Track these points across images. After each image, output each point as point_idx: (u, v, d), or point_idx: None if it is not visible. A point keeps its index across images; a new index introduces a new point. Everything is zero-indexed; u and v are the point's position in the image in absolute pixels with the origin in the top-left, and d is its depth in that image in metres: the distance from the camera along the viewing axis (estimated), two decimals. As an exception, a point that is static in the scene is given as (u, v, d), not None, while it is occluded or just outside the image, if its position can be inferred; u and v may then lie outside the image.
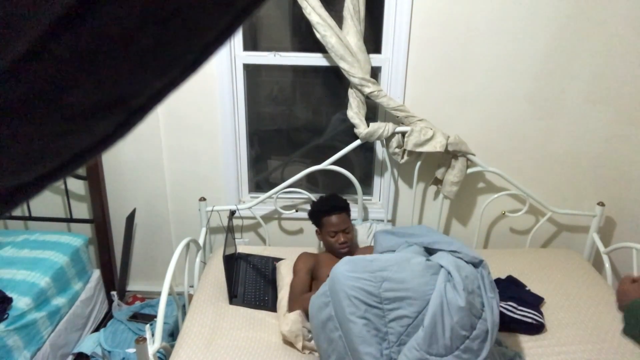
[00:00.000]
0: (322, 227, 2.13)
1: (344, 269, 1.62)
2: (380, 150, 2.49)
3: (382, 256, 1.71)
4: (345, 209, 2.13)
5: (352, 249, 2.13)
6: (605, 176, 2.46)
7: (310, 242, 2.50)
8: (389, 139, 2.32)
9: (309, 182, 2.63)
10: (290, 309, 1.92)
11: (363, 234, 2.38)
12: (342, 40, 2.14)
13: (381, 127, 2.28)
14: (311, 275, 2.07)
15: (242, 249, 2.44)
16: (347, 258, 1.69)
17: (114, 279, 2.64)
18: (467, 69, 2.28)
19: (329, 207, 2.10)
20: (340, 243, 2.07)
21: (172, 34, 0.20)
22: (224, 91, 2.33)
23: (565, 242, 2.64)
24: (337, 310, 1.56)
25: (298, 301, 1.92)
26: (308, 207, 2.58)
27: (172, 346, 1.86)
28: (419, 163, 2.41)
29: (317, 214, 2.14)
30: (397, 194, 2.57)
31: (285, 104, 2.55)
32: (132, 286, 2.76)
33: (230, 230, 2.19)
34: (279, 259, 2.33)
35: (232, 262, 2.26)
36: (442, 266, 1.67)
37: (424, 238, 1.88)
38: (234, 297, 2.09)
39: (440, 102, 2.35)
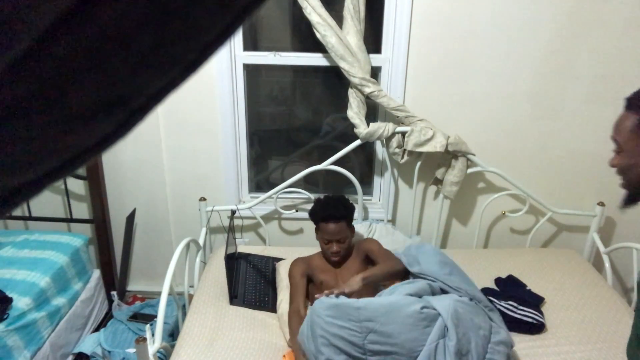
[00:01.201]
0: (318, 229, 2.06)
1: (326, 313, 1.53)
2: (380, 150, 2.50)
3: (370, 304, 1.57)
4: (344, 217, 2.00)
5: (346, 255, 2.07)
6: (605, 176, 2.46)
7: (310, 242, 2.50)
8: (389, 139, 2.32)
9: (309, 182, 2.63)
10: (289, 322, 1.89)
11: (363, 233, 2.38)
12: (342, 40, 2.14)
13: (381, 127, 2.28)
14: (307, 279, 2.05)
15: (242, 248, 2.44)
16: (330, 302, 1.57)
17: (114, 279, 2.64)
18: (467, 69, 2.28)
19: (327, 215, 1.98)
20: (332, 252, 2.00)
21: (172, 34, 0.20)
22: (224, 91, 2.33)
23: (565, 242, 2.64)
24: (316, 353, 1.52)
25: (290, 315, 1.90)
26: (308, 206, 2.59)
27: (172, 346, 1.86)
28: (419, 163, 2.41)
29: (315, 217, 2.05)
30: (397, 194, 2.57)
31: (285, 104, 2.55)
32: (132, 286, 2.76)
33: (231, 229, 2.19)
34: (279, 259, 2.33)
35: (233, 262, 2.26)
36: (440, 314, 1.58)
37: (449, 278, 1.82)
38: (234, 297, 2.09)
39: (440, 102, 2.35)
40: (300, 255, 2.16)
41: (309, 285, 2.06)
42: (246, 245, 2.56)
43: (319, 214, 2.01)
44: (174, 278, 1.90)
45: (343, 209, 2.00)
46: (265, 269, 2.30)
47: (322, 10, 2.10)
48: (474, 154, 2.37)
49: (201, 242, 2.37)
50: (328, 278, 2.00)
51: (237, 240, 2.56)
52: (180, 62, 0.22)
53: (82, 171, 2.43)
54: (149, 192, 2.54)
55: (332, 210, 1.98)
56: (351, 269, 2.01)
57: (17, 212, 2.50)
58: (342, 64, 2.17)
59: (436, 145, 2.26)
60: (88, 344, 2.30)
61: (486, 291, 2.11)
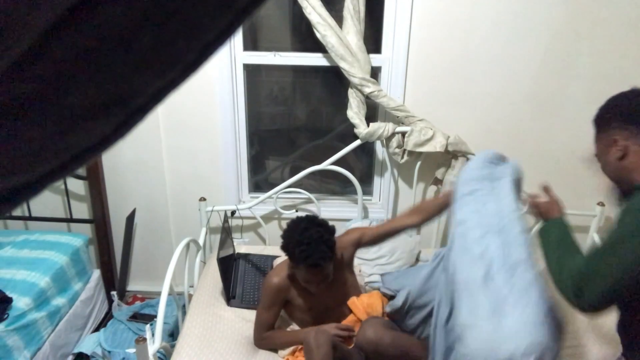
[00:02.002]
0: (295, 267, 1.70)
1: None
2: (380, 150, 2.49)
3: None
4: (330, 258, 1.66)
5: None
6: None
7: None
8: (389, 139, 2.32)
9: (309, 182, 2.63)
10: (258, 345, 1.78)
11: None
12: (342, 40, 2.14)
13: (381, 127, 2.28)
14: (283, 299, 1.82)
15: (242, 248, 2.44)
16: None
17: (114, 279, 2.64)
18: (467, 69, 2.28)
19: (311, 264, 1.61)
20: (313, 290, 1.72)
21: (172, 34, 0.20)
22: (224, 91, 2.33)
23: (565, 242, 2.63)
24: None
25: (265, 340, 1.79)
26: (308, 207, 2.59)
27: (172, 346, 1.86)
28: (419, 163, 2.41)
29: (294, 260, 1.68)
30: (397, 194, 2.57)
31: (285, 104, 2.55)
32: (132, 286, 2.76)
33: (226, 231, 2.18)
34: (277, 257, 2.33)
35: (231, 262, 2.26)
36: None
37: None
38: (232, 298, 2.09)
39: (440, 102, 2.34)
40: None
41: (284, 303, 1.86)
42: (246, 245, 2.56)
43: (298, 261, 1.64)
44: (173, 278, 1.90)
45: (328, 251, 1.63)
46: (264, 267, 2.30)
47: (322, 10, 2.10)
48: (474, 154, 2.36)
49: (201, 242, 2.37)
50: (315, 302, 1.80)
51: (237, 240, 2.56)
52: (180, 62, 0.22)
53: (82, 171, 2.42)
54: (149, 192, 2.54)
55: (317, 258, 1.60)
56: (340, 280, 1.81)
57: (17, 212, 2.50)
58: (342, 64, 2.17)
59: (436, 145, 2.26)
60: (88, 344, 2.30)
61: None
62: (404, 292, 1.76)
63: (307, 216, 1.74)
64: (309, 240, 1.60)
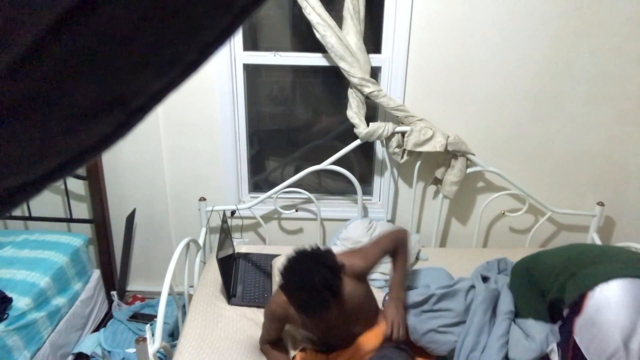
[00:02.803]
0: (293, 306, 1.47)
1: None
2: (380, 150, 2.50)
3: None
4: (333, 303, 1.45)
5: None
6: (605, 176, 2.46)
7: (310, 242, 2.50)
8: (388, 138, 2.33)
9: (309, 182, 2.63)
10: (260, 349, 1.79)
11: (363, 230, 2.37)
12: (342, 40, 2.14)
13: (381, 127, 2.28)
14: (283, 322, 1.72)
15: (242, 248, 2.44)
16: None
17: (114, 279, 2.64)
18: (467, 69, 2.28)
19: (315, 313, 1.42)
20: (311, 327, 1.60)
21: (172, 34, 0.20)
22: (223, 91, 2.33)
23: (564, 242, 2.63)
24: None
25: (263, 351, 1.77)
26: (308, 206, 2.59)
27: (172, 346, 1.86)
28: (418, 163, 2.41)
29: (290, 301, 1.45)
30: (397, 194, 2.57)
31: (285, 104, 2.55)
32: (132, 286, 2.76)
33: (225, 231, 2.18)
34: (278, 255, 2.33)
35: (231, 262, 2.26)
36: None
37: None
38: (233, 296, 2.09)
39: (440, 102, 2.35)
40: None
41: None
42: (246, 245, 2.56)
43: (296, 307, 1.44)
44: (173, 278, 1.90)
45: (331, 296, 1.40)
46: (265, 265, 2.30)
47: (321, 10, 2.10)
48: (473, 154, 2.37)
49: (201, 242, 2.37)
50: (316, 325, 1.66)
51: (237, 240, 2.56)
52: (180, 62, 0.22)
53: (82, 171, 2.43)
54: (149, 192, 2.54)
55: (318, 308, 1.40)
56: (347, 301, 1.62)
57: (17, 212, 2.50)
58: (342, 64, 2.17)
59: (436, 145, 2.26)
60: (88, 344, 2.30)
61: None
62: (428, 290, 1.86)
63: (312, 252, 1.46)
64: (310, 288, 1.36)
